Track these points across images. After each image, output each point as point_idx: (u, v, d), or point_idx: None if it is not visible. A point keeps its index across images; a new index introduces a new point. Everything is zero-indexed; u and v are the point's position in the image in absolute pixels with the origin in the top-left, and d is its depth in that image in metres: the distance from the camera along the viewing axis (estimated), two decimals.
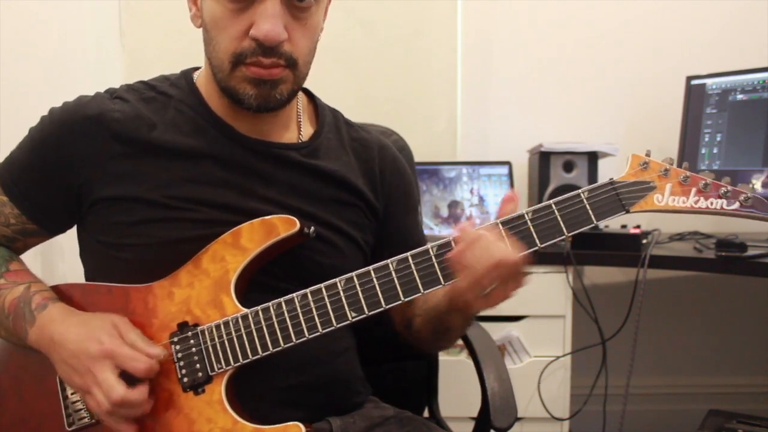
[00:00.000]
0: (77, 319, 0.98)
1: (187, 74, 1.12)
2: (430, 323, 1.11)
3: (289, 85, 1.01)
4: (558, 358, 2.02)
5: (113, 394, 0.91)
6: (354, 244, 1.12)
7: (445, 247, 0.94)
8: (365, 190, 1.14)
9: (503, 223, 0.93)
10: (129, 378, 0.93)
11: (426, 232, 2.19)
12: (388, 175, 1.19)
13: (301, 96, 1.16)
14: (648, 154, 0.94)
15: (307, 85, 1.19)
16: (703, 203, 0.91)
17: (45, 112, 1.06)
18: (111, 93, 1.07)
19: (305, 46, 1.01)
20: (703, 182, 0.91)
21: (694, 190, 0.91)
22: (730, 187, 0.90)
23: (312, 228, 1.03)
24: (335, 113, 1.21)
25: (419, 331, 1.15)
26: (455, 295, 0.95)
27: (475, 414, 1.29)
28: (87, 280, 1.11)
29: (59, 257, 1.89)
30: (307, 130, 1.15)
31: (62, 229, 1.12)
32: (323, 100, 1.22)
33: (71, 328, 0.97)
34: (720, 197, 0.90)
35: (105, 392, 0.91)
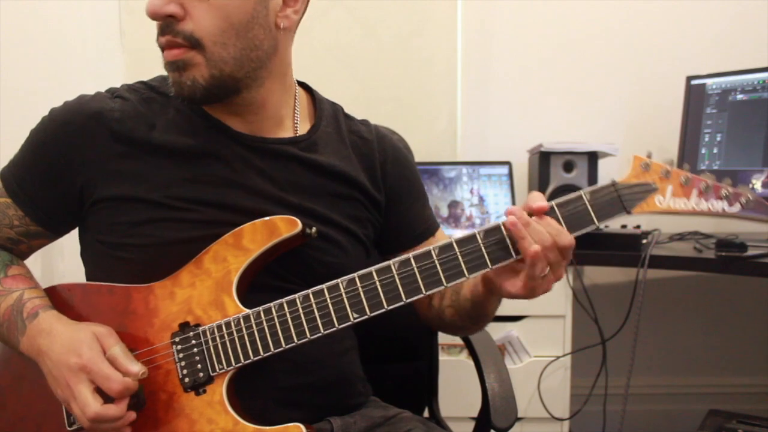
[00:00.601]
0: (64, 329, 0.97)
1: None
2: (465, 313, 1.11)
3: (202, 70, 0.98)
4: (558, 358, 2.02)
5: (87, 410, 0.90)
6: (354, 239, 1.12)
7: (446, 249, 0.94)
8: (365, 183, 1.14)
9: (505, 225, 0.93)
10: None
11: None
12: (389, 166, 1.18)
13: (299, 91, 1.16)
14: (649, 156, 0.94)
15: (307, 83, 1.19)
16: (704, 205, 0.91)
17: (45, 112, 1.06)
18: (112, 92, 1.07)
19: (212, 25, 0.96)
20: (704, 184, 0.91)
21: (695, 191, 0.91)
22: (731, 189, 0.90)
23: (314, 228, 1.03)
24: (335, 106, 1.20)
25: (453, 322, 1.15)
26: (494, 284, 0.97)
27: (475, 414, 1.29)
28: (88, 279, 1.10)
29: (59, 257, 1.89)
30: (305, 125, 1.14)
31: (66, 230, 1.11)
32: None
33: (56, 339, 0.96)
34: (721, 199, 0.91)
35: (81, 408, 0.91)
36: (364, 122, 1.22)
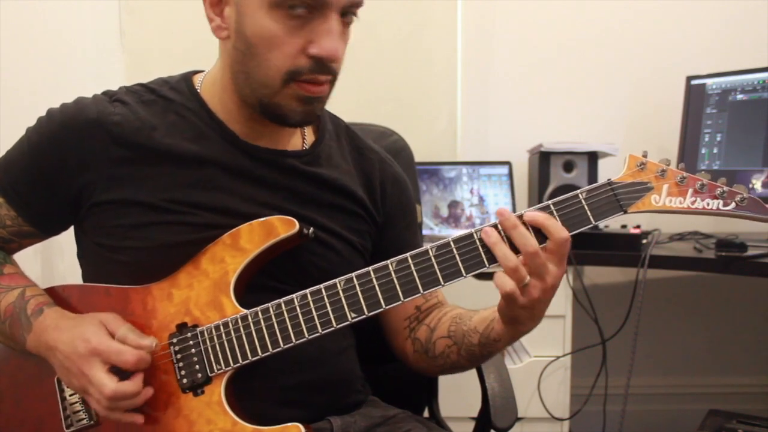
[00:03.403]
0: (70, 322, 0.98)
1: (187, 78, 1.11)
2: (467, 348, 1.07)
3: (326, 100, 1.02)
4: (558, 358, 2.02)
5: (105, 389, 0.91)
6: (353, 248, 1.12)
7: (444, 247, 0.93)
8: (365, 199, 1.14)
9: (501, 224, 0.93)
10: (122, 371, 0.94)
11: (426, 232, 2.21)
12: (389, 187, 1.18)
13: None
14: (645, 155, 0.94)
15: None
16: (699, 204, 0.91)
17: (44, 112, 1.05)
18: (110, 96, 1.06)
19: (342, 62, 1.00)
20: (700, 183, 0.91)
21: (690, 190, 0.92)
22: (726, 188, 0.91)
23: (311, 229, 1.03)
24: (336, 120, 1.21)
25: (444, 355, 1.11)
26: (505, 310, 0.95)
27: (475, 414, 1.29)
28: (85, 281, 1.11)
29: (59, 257, 1.89)
30: (310, 137, 1.14)
31: (58, 231, 1.11)
32: None
33: (64, 332, 0.97)
34: (716, 198, 0.91)
35: (98, 389, 0.92)
36: (367, 140, 1.22)
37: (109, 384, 0.91)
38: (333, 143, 1.16)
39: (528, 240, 0.89)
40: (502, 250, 0.90)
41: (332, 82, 1.00)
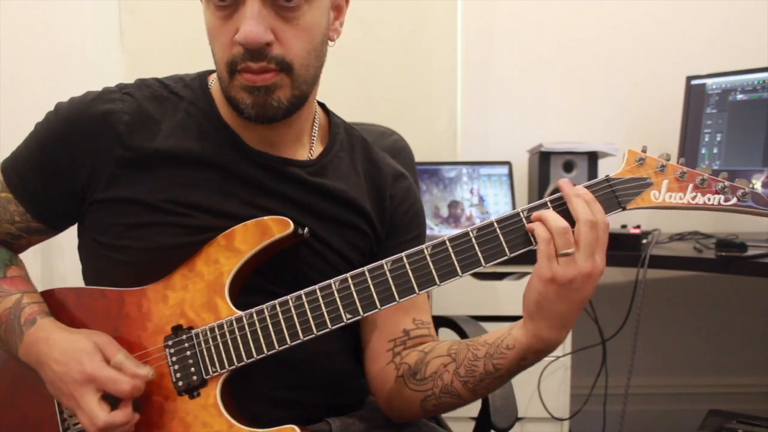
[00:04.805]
0: (62, 338, 0.97)
1: (202, 77, 1.10)
2: (464, 366, 0.99)
3: (287, 91, 0.97)
4: (558, 358, 2.01)
5: (96, 421, 0.90)
6: (350, 266, 1.07)
7: (439, 246, 0.93)
8: (371, 213, 1.12)
9: (498, 222, 0.92)
10: (113, 398, 0.93)
11: (426, 232, 2.20)
12: (398, 201, 1.16)
13: (318, 112, 1.14)
14: (644, 150, 0.92)
15: None
16: (700, 199, 0.89)
17: (45, 112, 1.06)
18: (120, 88, 1.06)
19: (300, 48, 0.96)
20: (700, 178, 0.89)
21: (691, 185, 0.90)
22: (727, 183, 0.89)
23: (306, 229, 1.02)
24: (351, 132, 1.18)
25: (437, 375, 1.01)
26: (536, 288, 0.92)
27: (475, 414, 1.29)
28: (84, 276, 1.11)
29: (59, 256, 1.90)
30: (318, 147, 1.12)
31: (66, 226, 1.11)
32: (323, 101, 1.20)
33: (55, 349, 0.95)
34: (717, 193, 0.89)
35: (88, 418, 0.91)
36: (385, 155, 1.20)
37: (101, 415, 0.90)
38: (344, 154, 1.14)
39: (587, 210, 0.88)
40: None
41: (285, 71, 0.96)
